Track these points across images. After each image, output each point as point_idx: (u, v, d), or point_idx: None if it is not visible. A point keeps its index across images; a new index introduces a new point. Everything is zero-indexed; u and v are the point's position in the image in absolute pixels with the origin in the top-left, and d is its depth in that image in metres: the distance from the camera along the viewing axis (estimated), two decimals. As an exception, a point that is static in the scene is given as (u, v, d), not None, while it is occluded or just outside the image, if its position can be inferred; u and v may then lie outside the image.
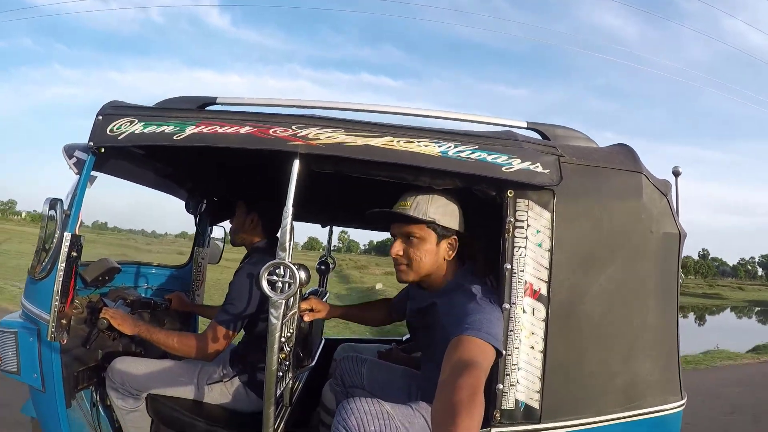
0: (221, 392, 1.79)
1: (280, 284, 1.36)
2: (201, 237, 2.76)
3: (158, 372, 1.76)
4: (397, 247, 1.47)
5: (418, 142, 1.40)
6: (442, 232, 1.47)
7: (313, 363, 2.26)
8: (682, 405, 1.50)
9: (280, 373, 1.44)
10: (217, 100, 1.59)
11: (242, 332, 1.90)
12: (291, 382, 1.60)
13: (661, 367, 1.47)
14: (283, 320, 1.39)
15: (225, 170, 2.19)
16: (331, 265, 3.16)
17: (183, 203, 2.65)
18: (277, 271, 1.36)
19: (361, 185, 2.06)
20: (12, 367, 1.57)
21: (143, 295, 2.44)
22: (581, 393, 1.38)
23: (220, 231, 2.83)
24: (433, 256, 1.46)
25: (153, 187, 2.31)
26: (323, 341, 2.73)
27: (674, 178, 1.73)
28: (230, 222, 2.04)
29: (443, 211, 1.47)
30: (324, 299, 2.63)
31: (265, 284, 1.34)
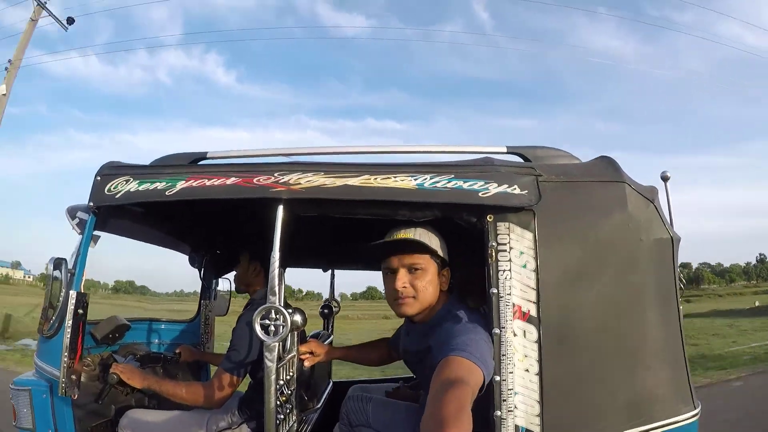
0: None
1: (272, 327, 1.40)
2: (207, 290, 2.82)
3: (169, 422, 1.79)
4: (403, 279, 1.44)
5: (395, 177, 1.45)
6: (441, 263, 1.48)
7: (320, 405, 2.25)
8: (696, 415, 1.44)
9: (281, 416, 1.46)
10: (208, 155, 1.68)
11: (249, 379, 1.92)
12: (296, 425, 1.61)
13: (668, 379, 1.43)
14: (278, 363, 1.42)
15: (224, 223, 2.27)
16: (335, 309, 3.14)
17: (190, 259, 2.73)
18: (269, 315, 1.40)
19: (356, 227, 2.11)
20: (27, 424, 1.63)
21: (154, 350, 2.49)
22: (583, 413, 1.35)
23: (225, 283, 2.89)
24: (435, 287, 1.47)
25: (155, 244, 2.40)
26: (331, 384, 2.71)
27: (663, 183, 1.72)
28: (234, 271, 2.10)
29: (438, 243, 1.49)
30: (327, 341, 2.63)
31: (258, 328, 1.38)
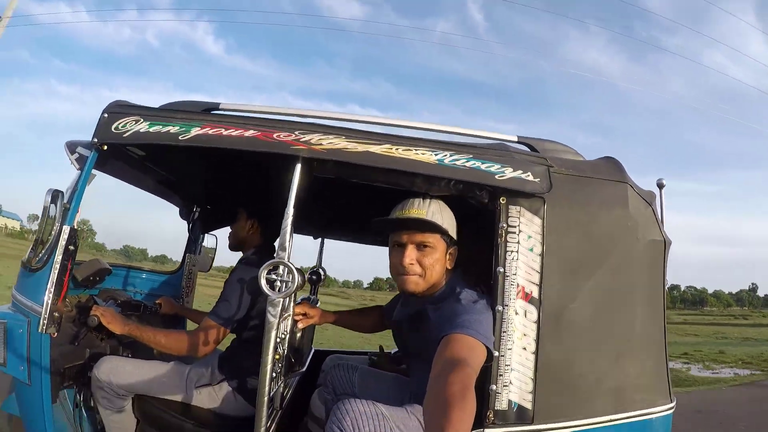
0: (209, 396, 1.77)
1: (278, 283, 1.38)
2: (193, 244, 2.77)
3: (146, 373, 1.74)
4: (411, 256, 1.44)
5: (416, 150, 1.46)
6: (450, 242, 1.50)
7: (304, 369, 2.25)
8: (672, 408, 1.54)
9: (274, 374, 1.45)
10: (221, 106, 1.63)
11: (231, 338, 1.90)
12: (282, 386, 1.61)
13: (649, 371, 1.52)
14: (280, 319, 1.41)
15: (222, 178, 2.22)
16: (322, 276, 3.18)
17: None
18: (276, 270, 1.39)
19: (353, 198, 2.11)
20: None
21: (134, 298, 2.41)
22: (573, 394, 1.42)
23: (212, 240, 2.83)
24: (442, 265, 1.48)
25: (149, 191, 2.32)
26: (313, 350, 2.72)
27: (658, 189, 1.82)
28: (230, 227, 2.06)
29: (451, 222, 1.50)
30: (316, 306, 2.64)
31: (263, 282, 1.37)
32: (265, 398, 1.38)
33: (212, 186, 2.38)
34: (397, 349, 2.45)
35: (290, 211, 1.43)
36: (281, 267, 1.39)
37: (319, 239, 3.22)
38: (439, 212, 1.48)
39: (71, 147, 1.58)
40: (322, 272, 3.19)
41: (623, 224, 1.51)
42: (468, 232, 1.63)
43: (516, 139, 1.67)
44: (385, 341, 2.77)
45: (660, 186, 1.81)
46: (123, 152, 1.68)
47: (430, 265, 1.45)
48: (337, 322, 1.97)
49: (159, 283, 2.66)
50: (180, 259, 2.76)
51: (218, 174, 2.17)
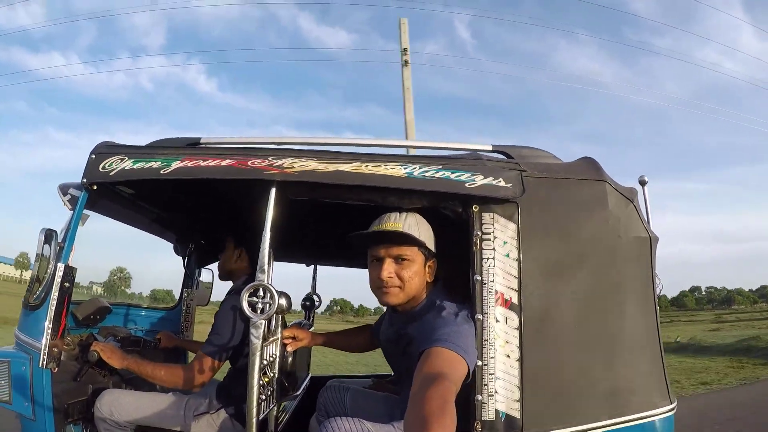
0: (208, 424, 1.78)
1: (260, 305, 1.41)
2: (189, 279, 2.83)
3: (145, 404, 1.77)
4: (389, 269, 1.45)
5: (385, 165, 1.50)
6: (428, 255, 1.50)
7: (299, 393, 2.24)
8: (673, 410, 1.48)
9: (263, 397, 1.46)
10: (201, 140, 1.71)
11: (228, 367, 1.92)
12: (275, 409, 1.61)
13: (644, 373, 1.47)
14: (263, 342, 1.43)
15: (211, 212, 2.28)
16: (316, 302, 3.17)
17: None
18: (257, 293, 1.42)
19: (340, 224, 2.14)
20: (4, 396, 1.59)
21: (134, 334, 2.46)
22: (563, 400, 1.38)
23: (208, 274, 2.89)
24: (421, 278, 1.48)
25: (142, 229, 2.40)
26: (309, 376, 2.70)
27: (641, 187, 1.80)
28: (219, 257, 2.11)
29: (428, 234, 1.51)
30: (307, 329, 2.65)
31: (245, 305, 1.40)
32: (254, 419, 1.39)
33: (201, 220, 2.45)
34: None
35: (267, 234, 1.47)
36: (261, 289, 1.42)
37: (312, 266, 3.24)
38: (415, 225, 1.48)
39: (64, 189, 1.67)
40: (316, 298, 3.18)
41: (603, 223, 1.49)
42: (449, 243, 1.63)
43: (491, 148, 1.69)
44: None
45: (642, 183, 1.78)
46: (113, 191, 1.76)
47: (408, 277, 1.45)
48: (327, 343, 1.97)
49: (158, 319, 2.72)
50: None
51: (206, 208, 2.24)
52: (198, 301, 2.82)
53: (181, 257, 2.75)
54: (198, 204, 2.19)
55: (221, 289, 2.07)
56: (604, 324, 1.45)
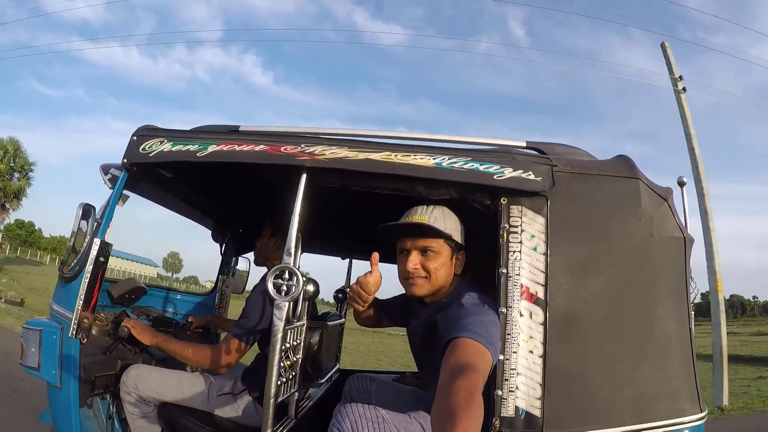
0: (231, 406, 1.82)
1: (285, 287, 1.44)
2: (226, 266, 2.90)
3: (171, 381, 1.82)
4: (415, 261, 1.47)
5: (415, 155, 1.50)
6: (455, 247, 1.50)
7: (323, 381, 2.26)
8: (703, 418, 1.40)
9: (284, 379, 1.48)
10: (240, 128, 1.77)
11: (255, 351, 1.96)
12: (297, 393, 1.62)
13: (674, 377, 1.41)
14: (286, 324, 1.45)
15: (250, 200, 2.35)
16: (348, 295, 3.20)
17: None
18: (282, 275, 1.45)
19: (375, 218, 2.16)
20: (33, 363, 1.67)
21: (167, 316, 2.55)
22: (586, 401, 1.33)
23: (244, 262, 2.96)
24: (448, 269, 1.49)
25: (181, 214, 2.49)
26: (338, 368, 2.71)
27: (680, 188, 1.74)
28: (256, 244, 2.17)
29: (455, 227, 1.51)
30: (337, 322, 2.66)
31: (270, 286, 1.43)
32: (272, 400, 1.40)
33: (241, 207, 2.52)
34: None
35: (296, 218, 1.50)
36: (287, 272, 1.45)
37: (347, 260, 3.27)
38: (441, 218, 1.49)
39: (105, 169, 1.76)
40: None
41: (635, 221, 1.45)
42: (481, 239, 1.62)
43: (525, 144, 1.67)
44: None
45: (681, 184, 1.73)
46: (153, 174, 1.84)
47: (434, 269, 1.46)
48: (372, 310, 1.84)
49: (193, 304, 2.81)
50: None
51: (245, 195, 2.30)
52: (233, 289, 2.90)
53: (219, 244, 2.84)
54: (237, 191, 2.25)
55: (257, 277, 2.12)
56: (633, 325, 1.40)
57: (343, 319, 2.91)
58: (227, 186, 2.22)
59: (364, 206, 2.09)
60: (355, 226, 2.49)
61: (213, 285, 2.91)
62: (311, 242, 2.58)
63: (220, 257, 2.90)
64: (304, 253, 2.70)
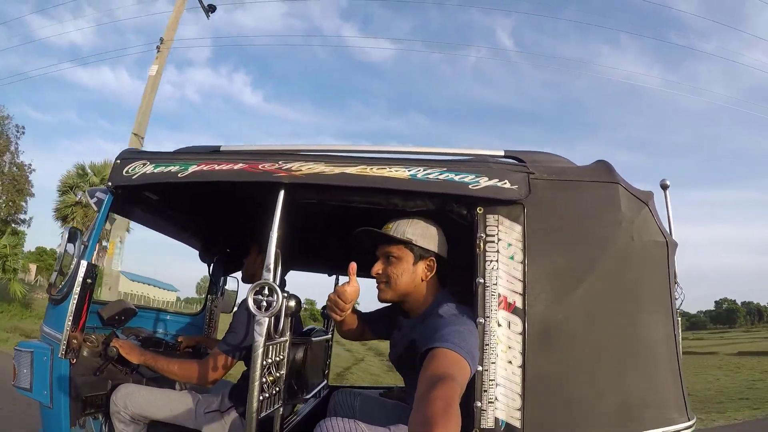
0: (218, 422, 1.82)
1: (265, 303, 1.45)
2: (215, 286, 2.92)
3: (159, 399, 1.83)
4: (377, 267, 1.53)
5: (390, 168, 1.52)
6: (420, 253, 1.50)
7: (309, 397, 2.24)
8: (691, 427, 1.37)
9: (267, 395, 1.48)
10: (221, 148, 1.80)
11: (242, 368, 1.95)
12: (282, 409, 1.62)
13: (660, 385, 1.38)
14: (267, 340, 1.46)
15: (236, 220, 2.37)
16: None
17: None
18: (263, 291, 1.46)
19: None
20: (25, 384, 1.70)
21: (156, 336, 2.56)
22: (568, 411, 1.31)
23: (233, 282, 2.98)
24: (410, 275, 1.50)
25: (169, 235, 2.52)
26: (325, 383, 2.69)
27: (663, 191, 1.74)
28: (244, 261, 2.18)
29: (422, 233, 1.52)
30: (323, 338, 2.65)
31: (251, 302, 1.44)
32: (254, 415, 1.41)
33: (225, 227, 2.54)
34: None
35: (274, 235, 1.52)
36: (267, 288, 1.46)
37: (334, 276, 3.27)
38: (406, 225, 1.51)
39: (91, 193, 1.80)
40: None
41: (615, 225, 1.44)
42: (463, 252, 1.61)
43: (503, 153, 1.68)
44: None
45: (664, 187, 1.72)
46: (139, 196, 1.87)
47: (394, 275, 1.49)
48: (354, 321, 1.82)
49: (183, 324, 2.82)
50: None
51: (229, 215, 2.32)
52: (222, 308, 2.91)
53: (206, 264, 2.86)
54: (222, 211, 2.28)
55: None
56: (616, 332, 1.38)
57: (330, 335, 2.90)
58: (212, 206, 2.25)
59: (347, 222, 2.11)
60: (338, 242, 2.50)
61: (202, 305, 2.92)
62: (298, 260, 2.58)
63: (209, 277, 2.91)
64: (295, 272, 2.72)
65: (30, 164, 21.00)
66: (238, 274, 2.89)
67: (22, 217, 21.05)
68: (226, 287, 2.97)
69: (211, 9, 10.92)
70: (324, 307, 3.06)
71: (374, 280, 1.57)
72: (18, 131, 20.24)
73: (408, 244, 1.49)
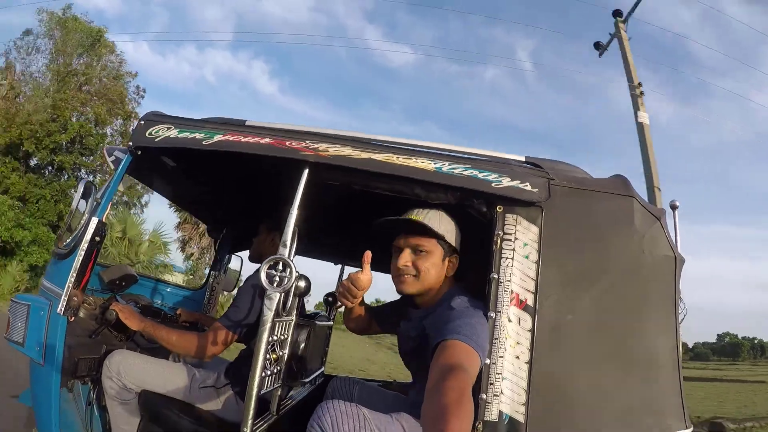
0: (213, 399, 1.80)
1: (277, 278, 1.45)
2: (219, 263, 2.90)
3: (154, 369, 1.80)
4: (406, 258, 1.50)
5: (416, 159, 1.54)
6: (448, 249, 1.53)
7: (306, 380, 2.24)
8: None
9: (268, 372, 1.48)
10: (246, 122, 1.81)
11: (240, 347, 1.94)
12: (280, 390, 1.61)
13: (661, 393, 1.41)
14: (275, 316, 1.46)
15: (249, 196, 2.37)
16: None
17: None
18: (277, 266, 1.46)
19: (369, 224, 2.19)
20: (18, 338, 1.65)
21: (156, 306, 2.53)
22: (571, 410, 1.34)
23: (237, 261, 2.96)
24: (439, 270, 1.51)
25: (180, 205, 2.51)
26: (322, 370, 2.69)
27: (672, 211, 1.79)
28: (253, 240, 2.18)
29: (450, 228, 1.54)
30: (326, 323, 2.65)
31: (263, 276, 1.44)
32: (254, 391, 1.40)
33: (239, 204, 2.54)
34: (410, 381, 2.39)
35: (294, 212, 1.52)
36: (281, 263, 1.46)
37: (339, 266, 3.27)
38: (436, 219, 1.52)
39: (109, 151, 1.79)
40: None
41: (628, 237, 1.48)
42: (477, 248, 1.64)
43: (524, 159, 1.71)
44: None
45: (673, 207, 1.78)
46: (157, 161, 1.86)
47: (425, 268, 1.49)
48: (362, 312, 1.83)
49: (182, 297, 2.79)
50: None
51: (244, 192, 2.32)
52: (224, 286, 2.89)
53: (214, 239, 2.84)
54: (236, 188, 2.27)
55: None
56: (621, 338, 1.42)
57: (331, 322, 2.90)
58: (228, 181, 2.24)
59: (361, 211, 2.12)
60: (350, 231, 2.51)
61: (205, 280, 2.90)
62: (305, 246, 2.59)
63: (214, 252, 2.90)
64: (298, 257, 2.72)
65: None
66: (243, 254, 2.88)
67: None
68: (230, 266, 2.95)
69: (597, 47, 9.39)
70: (328, 294, 3.07)
71: (388, 273, 1.55)
72: (138, 93, 17.92)
73: (442, 239, 1.50)
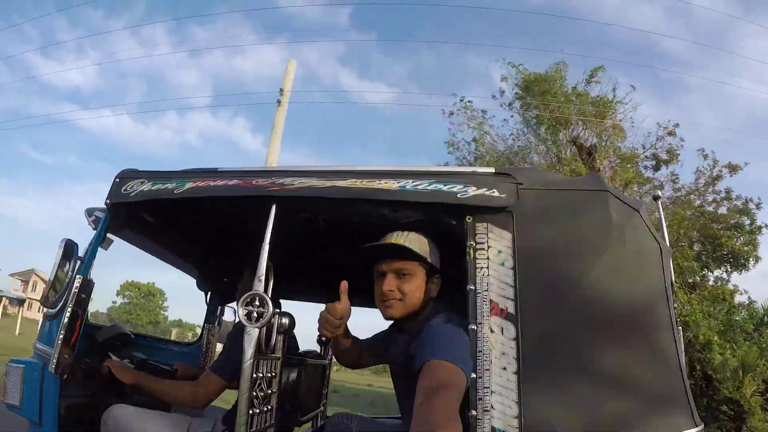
0: None
1: (255, 314, 1.44)
2: (212, 315, 2.89)
3: (151, 421, 1.77)
4: (390, 283, 1.47)
5: (379, 181, 1.55)
6: (430, 270, 1.51)
7: (304, 419, 2.16)
8: None
9: (256, 410, 1.45)
10: (218, 169, 1.85)
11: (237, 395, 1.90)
12: (272, 429, 1.57)
13: (663, 394, 1.34)
14: (257, 353, 1.44)
15: (231, 247, 2.39)
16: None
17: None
18: (253, 302, 1.46)
19: (353, 256, 2.18)
20: (15, 401, 1.66)
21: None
22: (568, 419, 1.27)
23: (230, 313, 2.94)
24: (422, 292, 1.48)
25: (167, 261, 2.53)
26: (321, 410, 2.60)
27: (656, 202, 1.77)
28: (238, 285, 2.17)
29: (430, 250, 1.53)
30: (327, 369, 2.59)
31: (241, 312, 1.43)
32: (243, 428, 1.38)
33: (220, 252, 2.54)
34: None
35: (266, 246, 1.54)
36: (257, 299, 1.46)
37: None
38: (416, 241, 1.50)
39: (89, 211, 1.84)
40: None
41: (606, 231, 1.44)
42: (454, 261, 1.62)
43: (494, 170, 1.72)
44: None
45: (656, 198, 1.77)
46: (137, 218, 1.91)
47: (409, 291, 1.46)
48: (350, 344, 1.76)
49: (179, 353, 2.76)
50: None
51: (222, 238, 2.34)
52: (219, 338, 2.86)
53: (204, 293, 2.84)
54: (215, 236, 2.30)
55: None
56: (614, 336, 1.36)
57: (327, 361, 2.82)
58: (206, 230, 2.27)
59: (339, 248, 2.13)
60: (330, 270, 2.50)
61: (199, 334, 2.88)
62: (291, 289, 2.58)
63: (206, 306, 2.88)
64: (288, 301, 2.69)
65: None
66: (234, 305, 2.86)
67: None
68: (224, 318, 2.93)
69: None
70: (320, 335, 3.01)
71: (369, 301, 1.53)
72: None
73: (423, 260, 1.49)
